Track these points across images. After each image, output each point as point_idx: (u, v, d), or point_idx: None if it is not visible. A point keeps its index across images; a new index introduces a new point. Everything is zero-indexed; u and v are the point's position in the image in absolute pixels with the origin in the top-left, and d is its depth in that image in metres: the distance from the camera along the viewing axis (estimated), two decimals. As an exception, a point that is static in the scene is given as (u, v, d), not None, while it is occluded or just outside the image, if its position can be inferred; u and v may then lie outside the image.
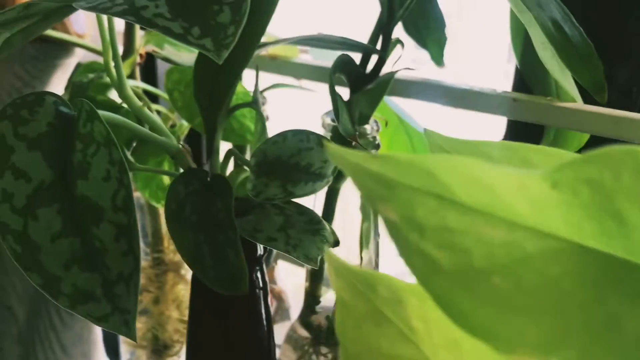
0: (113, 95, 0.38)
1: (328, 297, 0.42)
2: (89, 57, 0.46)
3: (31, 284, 0.50)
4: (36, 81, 0.45)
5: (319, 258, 0.28)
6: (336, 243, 0.30)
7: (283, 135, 0.28)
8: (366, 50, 0.33)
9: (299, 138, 0.29)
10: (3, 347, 0.50)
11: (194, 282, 0.33)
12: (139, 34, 0.42)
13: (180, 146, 0.29)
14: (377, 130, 0.38)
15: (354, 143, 0.37)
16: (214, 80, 0.27)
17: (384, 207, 0.13)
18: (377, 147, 0.38)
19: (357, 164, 0.14)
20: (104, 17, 0.28)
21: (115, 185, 0.25)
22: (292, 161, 0.29)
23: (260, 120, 0.34)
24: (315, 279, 0.42)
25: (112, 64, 0.28)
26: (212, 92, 0.27)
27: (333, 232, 0.30)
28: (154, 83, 0.62)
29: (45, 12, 0.27)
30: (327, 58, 0.44)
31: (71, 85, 0.34)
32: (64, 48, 0.44)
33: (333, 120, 0.38)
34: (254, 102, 0.31)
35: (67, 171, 0.25)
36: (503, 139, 0.54)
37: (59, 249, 0.26)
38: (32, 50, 0.44)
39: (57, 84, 0.47)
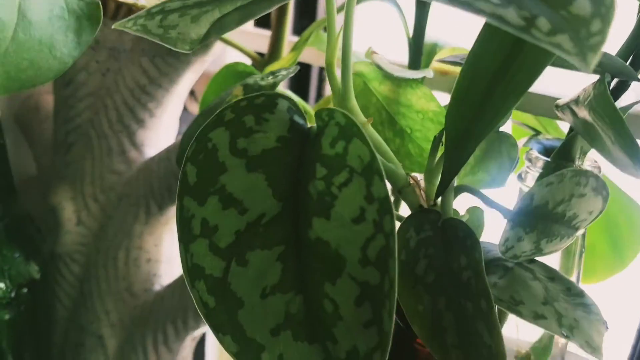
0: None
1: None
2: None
3: (127, 313, 0.43)
4: (164, 78, 0.39)
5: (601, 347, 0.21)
6: (605, 325, 0.22)
7: (560, 175, 0.21)
8: (628, 76, 0.26)
9: (577, 181, 0.22)
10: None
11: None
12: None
13: (410, 179, 0.22)
14: (600, 171, 0.30)
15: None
16: (483, 101, 0.20)
17: None
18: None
19: None
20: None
21: (370, 230, 0.18)
22: (558, 210, 0.22)
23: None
24: None
25: (336, 69, 0.21)
26: (476, 118, 0.20)
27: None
28: (304, 96, 0.56)
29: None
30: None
31: (243, 88, 0.27)
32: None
33: (541, 154, 0.31)
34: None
35: (299, 204, 0.18)
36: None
37: (269, 308, 0.19)
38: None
39: (186, 85, 0.40)
